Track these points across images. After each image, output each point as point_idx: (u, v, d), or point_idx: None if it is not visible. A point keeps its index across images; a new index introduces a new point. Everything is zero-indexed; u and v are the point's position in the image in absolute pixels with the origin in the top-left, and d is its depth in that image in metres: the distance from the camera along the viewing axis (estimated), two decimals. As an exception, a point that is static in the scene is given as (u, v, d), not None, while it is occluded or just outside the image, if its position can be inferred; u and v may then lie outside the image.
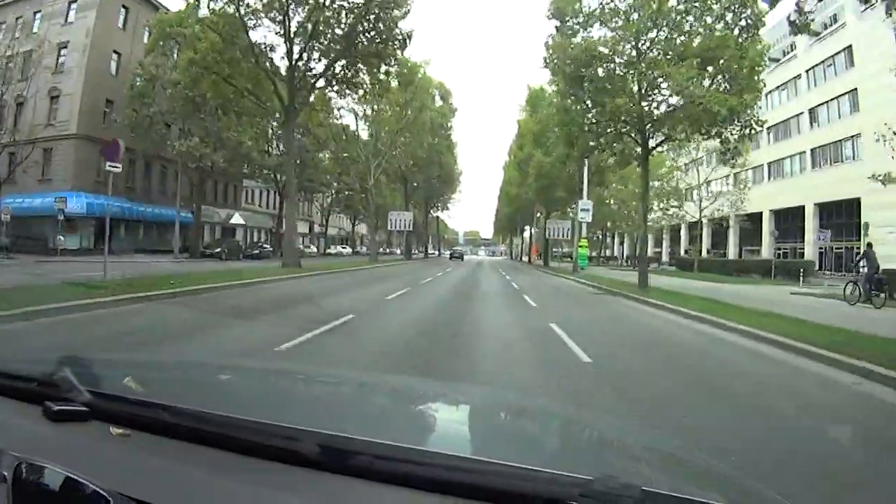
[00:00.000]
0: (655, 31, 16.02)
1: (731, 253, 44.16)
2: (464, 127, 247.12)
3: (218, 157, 31.66)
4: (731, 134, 16.14)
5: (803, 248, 36.30)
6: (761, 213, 39.83)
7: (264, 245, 42.08)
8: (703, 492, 0.86)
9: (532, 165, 36.79)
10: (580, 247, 33.43)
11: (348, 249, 63.73)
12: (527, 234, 76.13)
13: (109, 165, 11.86)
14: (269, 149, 39.19)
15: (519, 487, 0.80)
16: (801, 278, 26.00)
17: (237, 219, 44.78)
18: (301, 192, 42.20)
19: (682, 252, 51.24)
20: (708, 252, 46.34)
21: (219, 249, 32.18)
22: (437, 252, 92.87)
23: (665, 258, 54.19)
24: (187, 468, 0.89)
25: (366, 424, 1.15)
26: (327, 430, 0.93)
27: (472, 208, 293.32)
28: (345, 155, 41.44)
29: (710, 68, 15.59)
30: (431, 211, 67.53)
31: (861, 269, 16.00)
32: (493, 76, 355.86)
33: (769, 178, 41.56)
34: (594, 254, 75.44)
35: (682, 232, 51.22)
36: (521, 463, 0.85)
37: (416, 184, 53.17)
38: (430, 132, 44.70)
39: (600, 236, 64.30)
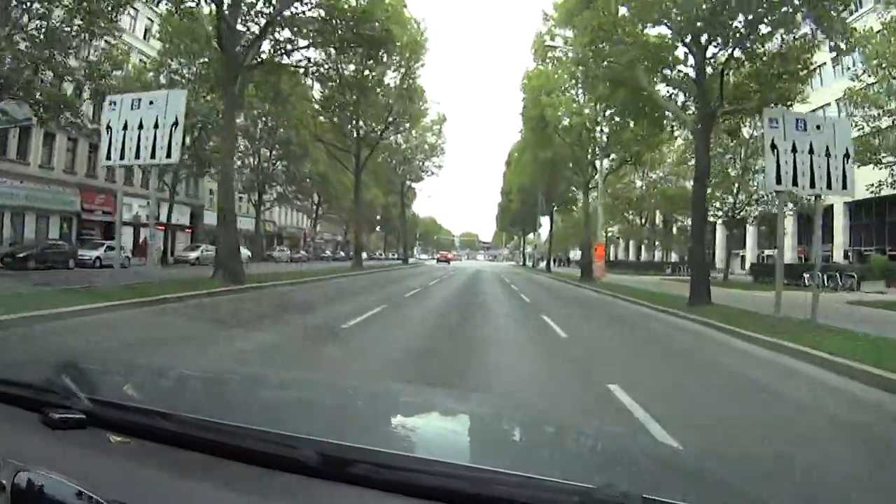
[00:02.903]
0: None
1: None
2: (462, 128, 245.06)
3: None
4: None
5: None
6: None
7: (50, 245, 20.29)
8: (703, 500, 0.86)
9: None
10: None
11: (284, 251, 42.46)
12: (550, 227, 47.64)
13: None
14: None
15: (519, 496, 0.80)
16: None
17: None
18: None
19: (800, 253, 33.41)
20: (846, 255, 30.32)
21: None
22: (403, 256, 57.61)
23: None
24: (186, 476, 0.89)
25: (365, 432, 1.15)
26: (327, 437, 0.93)
27: (469, 211, 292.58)
28: None
29: None
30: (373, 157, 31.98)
31: None
32: (491, 81, 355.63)
33: None
34: (648, 256, 45.78)
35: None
36: (521, 471, 0.85)
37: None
38: None
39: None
